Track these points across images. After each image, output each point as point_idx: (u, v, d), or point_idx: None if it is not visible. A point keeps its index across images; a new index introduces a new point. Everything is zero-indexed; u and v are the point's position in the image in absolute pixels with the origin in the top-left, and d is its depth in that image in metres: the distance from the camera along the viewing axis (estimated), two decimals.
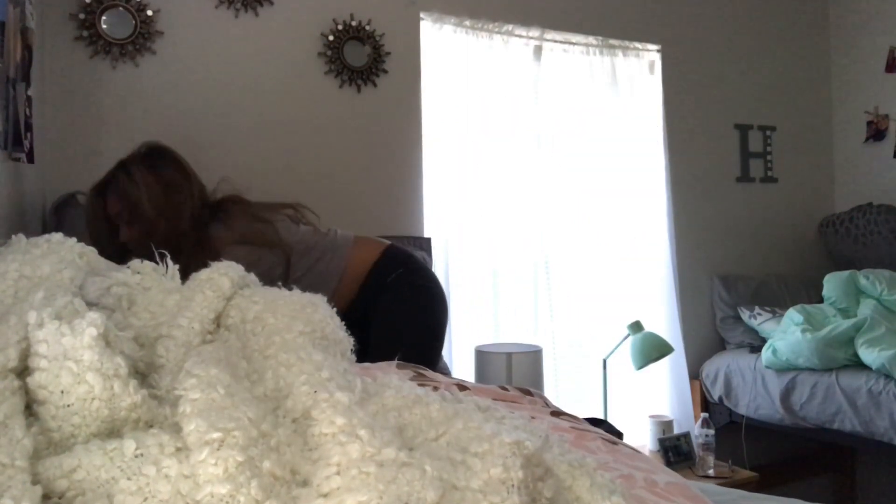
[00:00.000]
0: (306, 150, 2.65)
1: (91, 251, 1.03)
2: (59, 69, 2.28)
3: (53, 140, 2.25)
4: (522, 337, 2.87)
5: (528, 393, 1.29)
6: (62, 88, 2.29)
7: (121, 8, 2.35)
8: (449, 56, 2.94)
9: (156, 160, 1.92)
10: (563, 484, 0.63)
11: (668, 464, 2.86)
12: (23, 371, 0.64)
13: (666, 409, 3.26)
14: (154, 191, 1.86)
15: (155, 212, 1.85)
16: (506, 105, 3.06)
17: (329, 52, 2.69)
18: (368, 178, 2.75)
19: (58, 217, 2.10)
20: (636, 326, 2.96)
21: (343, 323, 0.96)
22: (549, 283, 3.14)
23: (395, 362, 1.25)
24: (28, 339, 0.64)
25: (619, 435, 2.47)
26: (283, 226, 1.99)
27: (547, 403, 1.25)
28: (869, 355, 2.69)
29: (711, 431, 2.90)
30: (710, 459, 2.88)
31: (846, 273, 3.12)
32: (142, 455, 0.57)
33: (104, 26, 2.33)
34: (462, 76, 2.96)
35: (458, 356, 2.81)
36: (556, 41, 3.18)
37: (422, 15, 2.87)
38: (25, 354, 0.64)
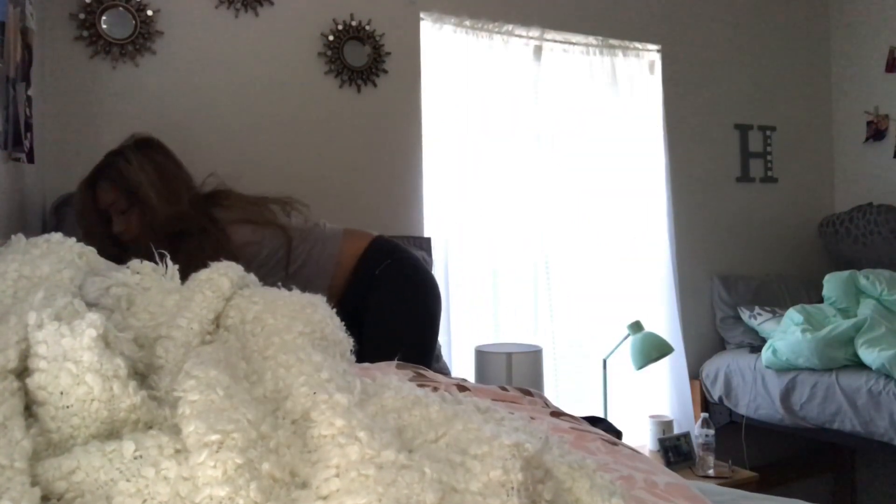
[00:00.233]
0: (306, 150, 2.65)
1: (90, 251, 1.03)
2: (59, 69, 2.28)
3: (53, 140, 2.25)
4: (522, 337, 2.86)
5: (528, 393, 1.29)
6: (62, 88, 2.29)
7: (121, 8, 2.35)
8: (449, 56, 2.94)
9: (147, 149, 1.92)
10: (562, 485, 0.63)
11: (668, 464, 2.86)
12: (22, 372, 0.64)
13: (666, 409, 3.26)
14: (152, 175, 1.86)
15: (155, 195, 1.83)
16: (506, 105, 3.06)
17: (329, 52, 2.69)
18: (368, 178, 2.75)
19: (57, 217, 2.10)
20: (636, 326, 2.96)
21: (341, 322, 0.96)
22: (549, 283, 3.13)
23: (395, 362, 1.25)
24: (28, 339, 0.64)
25: (619, 433, 2.46)
26: (278, 213, 2.00)
27: (547, 404, 1.25)
28: (869, 355, 2.69)
29: (711, 431, 2.90)
30: (710, 459, 2.88)
31: (846, 273, 3.12)
32: (141, 457, 0.57)
33: (104, 26, 2.33)
34: (462, 76, 2.96)
35: (458, 356, 2.81)
36: (556, 41, 3.18)
37: (422, 15, 2.87)
38: (25, 355, 0.64)
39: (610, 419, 2.94)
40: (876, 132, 3.73)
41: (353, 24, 2.72)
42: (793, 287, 3.57)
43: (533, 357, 2.55)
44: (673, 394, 3.28)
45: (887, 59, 3.67)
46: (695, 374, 3.36)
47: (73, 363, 0.61)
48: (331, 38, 2.69)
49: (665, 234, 3.33)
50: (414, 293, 2.06)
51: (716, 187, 3.59)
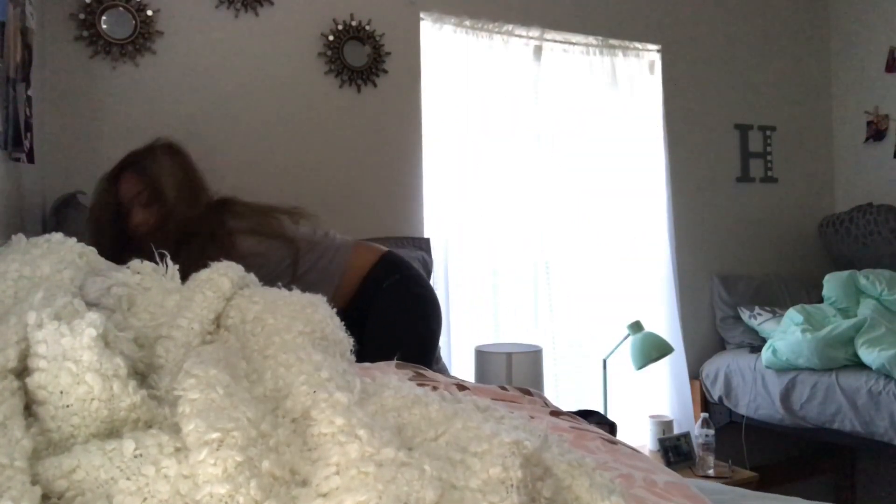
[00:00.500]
0: (306, 151, 2.65)
1: (91, 251, 1.03)
2: (59, 69, 2.28)
3: (53, 140, 2.25)
4: (522, 337, 2.86)
5: (528, 393, 1.29)
6: (62, 88, 2.29)
7: (121, 8, 2.35)
8: (449, 56, 2.94)
9: (174, 153, 1.98)
10: (562, 483, 0.63)
11: (668, 464, 2.86)
12: (22, 371, 0.64)
13: (666, 409, 3.26)
14: (177, 176, 1.92)
15: (176, 195, 1.88)
16: (506, 105, 3.06)
17: (329, 52, 2.69)
18: (368, 179, 2.75)
19: (57, 217, 2.10)
20: (636, 326, 2.96)
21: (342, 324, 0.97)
22: (549, 283, 3.14)
23: (395, 362, 1.25)
24: (27, 339, 0.64)
25: (613, 426, 2.46)
26: (286, 223, 2.00)
27: (546, 403, 1.25)
28: (869, 355, 2.69)
29: (711, 431, 2.90)
30: (710, 459, 2.88)
31: (846, 273, 3.12)
32: (141, 455, 0.57)
33: (104, 26, 2.33)
34: (462, 76, 2.96)
35: (458, 356, 2.81)
36: (556, 41, 3.18)
37: (422, 15, 2.87)
38: (25, 355, 0.64)
39: (610, 419, 2.95)
40: (876, 132, 3.73)
41: (353, 24, 2.72)
42: (793, 287, 3.57)
43: (533, 357, 2.55)
44: (673, 394, 3.28)
45: (887, 59, 3.67)
46: (695, 374, 3.36)
47: (73, 362, 0.61)
48: (331, 38, 2.69)
49: (665, 234, 3.34)
50: (418, 309, 2.05)
51: (716, 187, 3.59)
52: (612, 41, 3.29)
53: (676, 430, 3.08)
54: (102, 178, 1.94)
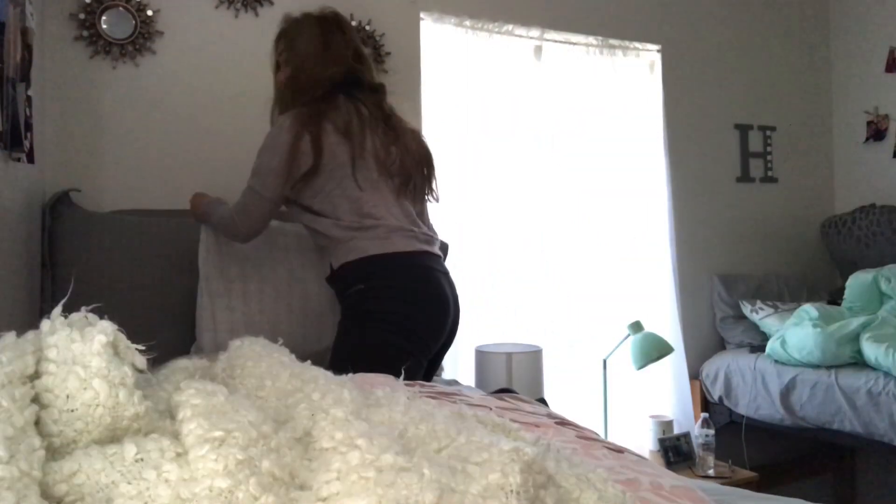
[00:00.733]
0: None
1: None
2: (59, 69, 2.28)
3: (53, 140, 2.25)
4: (522, 337, 2.86)
5: (530, 402, 1.29)
6: (62, 88, 2.29)
7: (121, 8, 2.35)
8: (449, 56, 2.94)
9: (332, 27, 2.05)
10: (570, 496, 0.63)
11: (668, 464, 2.86)
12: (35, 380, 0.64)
13: (666, 409, 3.26)
14: (315, 42, 2.01)
15: (300, 59, 2.00)
16: (506, 105, 3.06)
17: None
18: None
19: (53, 216, 2.11)
20: (636, 326, 2.96)
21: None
22: (549, 283, 3.14)
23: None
24: (42, 350, 0.64)
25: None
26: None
27: (550, 413, 1.25)
28: (871, 349, 2.68)
29: (711, 431, 2.90)
30: (710, 459, 2.88)
31: (870, 276, 3.03)
32: (142, 459, 0.57)
33: (104, 26, 2.33)
34: (462, 76, 2.96)
35: (458, 356, 2.80)
36: (556, 41, 3.18)
37: (422, 15, 2.87)
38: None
39: (611, 420, 2.95)
40: (876, 132, 3.74)
41: (353, 24, 2.72)
42: (793, 287, 3.57)
43: (533, 357, 2.56)
44: (673, 394, 3.28)
45: (887, 59, 3.67)
46: (695, 374, 3.36)
47: (82, 367, 0.62)
48: None
49: (665, 234, 3.34)
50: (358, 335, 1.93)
51: (716, 187, 3.59)
52: (612, 41, 3.28)
53: (676, 430, 3.08)
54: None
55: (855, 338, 2.79)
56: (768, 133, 3.74)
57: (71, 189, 2.20)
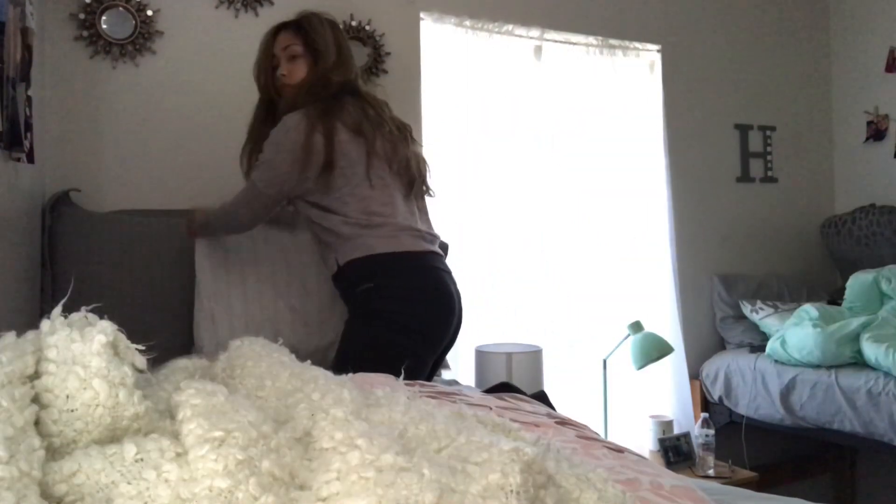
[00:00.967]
0: None
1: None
2: (59, 69, 2.28)
3: (53, 140, 2.25)
4: (522, 337, 2.86)
5: (531, 401, 1.29)
6: (62, 88, 2.29)
7: (121, 8, 2.35)
8: (449, 56, 2.94)
9: (333, 26, 2.11)
10: (570, 495, 0.63)
11: (668, 464, 2.86)
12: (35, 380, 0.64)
13: (666, 409, 3.26)
14: (333, 42, 2.04)
15: (328, 56, 2.01)
16: (506, 105, 3.06)
17: None
18: None
19: (53, 216, 2.11)
20: (636, 326, 2.96)
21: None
22: (549, 283, 3.13)
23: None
24: (42, 350, 0.64)
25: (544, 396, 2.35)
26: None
27: (551, 413, 1.25)
28: (871, 349, 2.68)
29: (711, 431, 2.90)
30: (710, 459, 2.88)
31: (871, 277, 3.03)
32: (142, 459, 0.57)
33: (104, 26, 2.33)
34: (462, 76, 2.96)
35: (458, 356, 2.80)
36: (556, 41, 3.18)
37: (422, 15, 2.87)
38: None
39: (610, 420, 2.95)
40: (876, 132, 3.73)
41: (353, 24, 2.72)
42: (793, 287, 3.57)
43: (533, 357, 2.56)
44: (673, 394, 3.28)
45: (887, 59, 3.67)
46: (695, 374, 3.36)
47: (82, 367, 0.62)
48: None
49: (665, 234, 3.33)
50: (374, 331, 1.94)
51: (716, 187, 3.59)
52: (612, 41, 3.28)
53: (676, 430, 3.08)
54: (268, 30, 2.12)
55: (855, 338, 2.79)
56: (768, 133, 3.74)
57: (71, 189, 2.20)
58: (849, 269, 3.29)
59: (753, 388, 3.05)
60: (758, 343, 3.24)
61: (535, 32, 3.12)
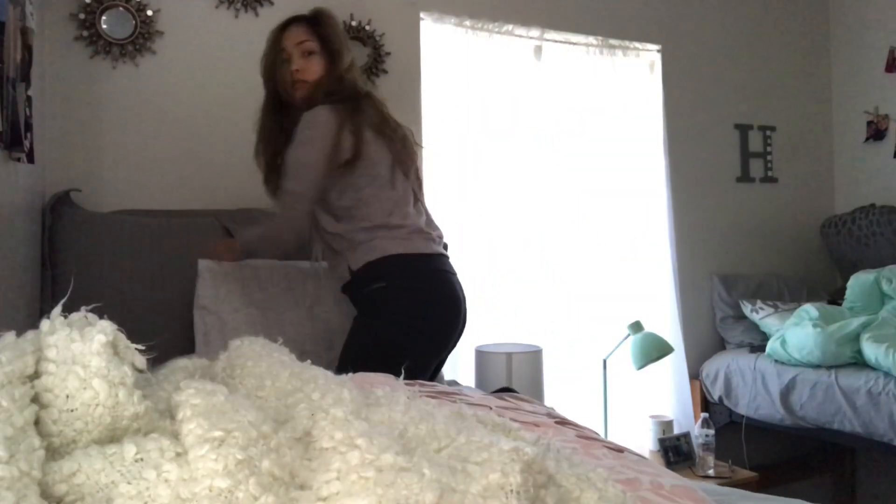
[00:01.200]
0: None
1: None
2: (59, 69, 2.28)
3: (53, 140, 2.25)
4: (522, 337, 2.86)
5: (530, 401, 1.29)
6: (62, 88, 2.29)
7: (121, 8, 2.35)
8: (449, 56, 2.94)
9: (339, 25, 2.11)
10: (570, 495, 0.63)
11: (668, 464, 2.86)
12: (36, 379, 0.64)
13: (666, 409, 3.26)
14: (343, 42, 2.05)
15: (345, 54, 2.00)
16: (506, 105, 3.06)
17: None
18: None
19: (54, 216, 2.11)
20: (636, 326, 2.96)
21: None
22: (549, 283, 3.13)
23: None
24: (41, 349, 0.64)
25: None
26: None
27: (551, 413, 1.25)
28: (871, 349, 2.68)
29: (711, 431, 2.90)
30: (710, 459, 2.88)
31: (871, 277, 3.02)
32: (142, 459, 0.57)
33: (104, 26, 2.33)
34: (462, 76, 2.96)
35: (459, 356, 2.80)
36: (556, 41, 3.18)
37: (422, 15, 2.87)
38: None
39: (610, 419, 2.95)
40: (876, 132, 3.73)
41: (353, 24, 2.72)
42: (793, 287, 3.57)
43: (533, 357, 2.55)
44: (673, 394, 3.28)
45: (887, 59, 3.67)
46: (695, 374, 3.36)
47: (82, 367, 0.61)
48: None
49: (665, 234, 3.33)
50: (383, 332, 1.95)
51: (716, 187, 3.59)
52: (612, 41, 3.28)
53: (676, 430, 3.08)
54: (275, 27, 2.07)
55: (855, 338, 2.79)
56: (768, 133, 3.74)
57: (71, 189, 2.20)
58: (849, 269, 3.29)
59: (753, 388, 3.05)
60: (758, 343, 3.24)
61: (535, 32, 3.12)
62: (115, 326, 0.66)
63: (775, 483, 3.09)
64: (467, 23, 2.94)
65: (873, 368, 2.69)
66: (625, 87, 3.32)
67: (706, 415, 2.99)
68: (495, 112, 3.03)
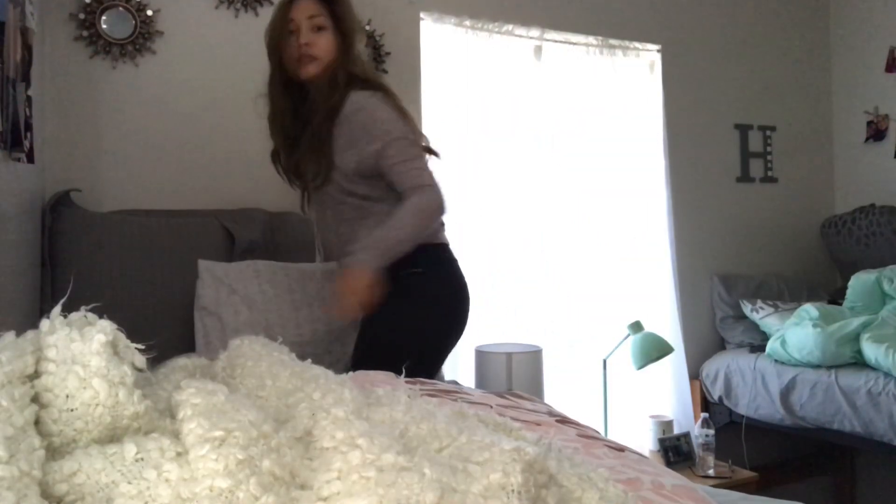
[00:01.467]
0: None
1: None
2: (59, 69, 2.28)
3: (53, 140, 2.25)
4: (522, 337, 2.86)
5: (531, 399, 1.29)
6: (62, 88, 2.29)
7: (121, 8, 2.35)
8: (449, 56, 2.93)
9: None
10: (572, 495, 0.63)
11: (668, 464, 2.86)
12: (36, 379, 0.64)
13: (666, 409, 3.26)
14: (355, 19, 1.99)
15: (354, 28, 1.96)
16: (506, 105, 3.06)
17: None
18: None
19: (54, 216, 2.11)
20: (636, 326, 2.96)
21: None
22: (549, 283, 3.13)
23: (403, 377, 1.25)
24: (41, 349, 0.64)
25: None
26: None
27: (551, 411, 1.25)
28: (871, 349, 2.68)
29: (711, 431, 2.90)
30: (710, 459, 2.88)
31: (872, 277, 3.02)
32: (142, 459, 0.57)
33: (104, 26, 2.33)
34: (462, 76, 2.96)
35: (459, 356, 2.80)
36: (556, 41, 3.18)
37: (422, 15, 2.87)
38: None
39: (610, 419, 2.95)
40: (876, 132, 3.73)
41: None
42: (793, 287, 3.57)
43: (533, 357, 2.55)
44: (673, 394, 3.28)
45: (887, 59, 3.67)
46: (695, 374, 3.36)
47: (82, 367, 0.61)
48: None
49: (665, 234, 3.33)
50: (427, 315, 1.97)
51: (716, 187, 3.59)
52: (612, 41, 3.28)
53: (676, 430, 3.08)
54: (278, 4, 1.97)
55: (855, 338, 2.79)
56: (768, 133, 3.74)
57: (71, 189, 2.19)
58: (849, 269, 3.29)
59: (753, 387, 3.05)
60: (758, 343, 3.24)
61: (535, 32, 3.12)
62: (114, 326, 0.66)
63: (775, 483, 3.09)
64: (467, 23, 2.94)
65: (873, 368, 2.69)
66: (625, 87, 3.32)
67: (706, 415, 2.99)
68: (495, 112, 3.03)
